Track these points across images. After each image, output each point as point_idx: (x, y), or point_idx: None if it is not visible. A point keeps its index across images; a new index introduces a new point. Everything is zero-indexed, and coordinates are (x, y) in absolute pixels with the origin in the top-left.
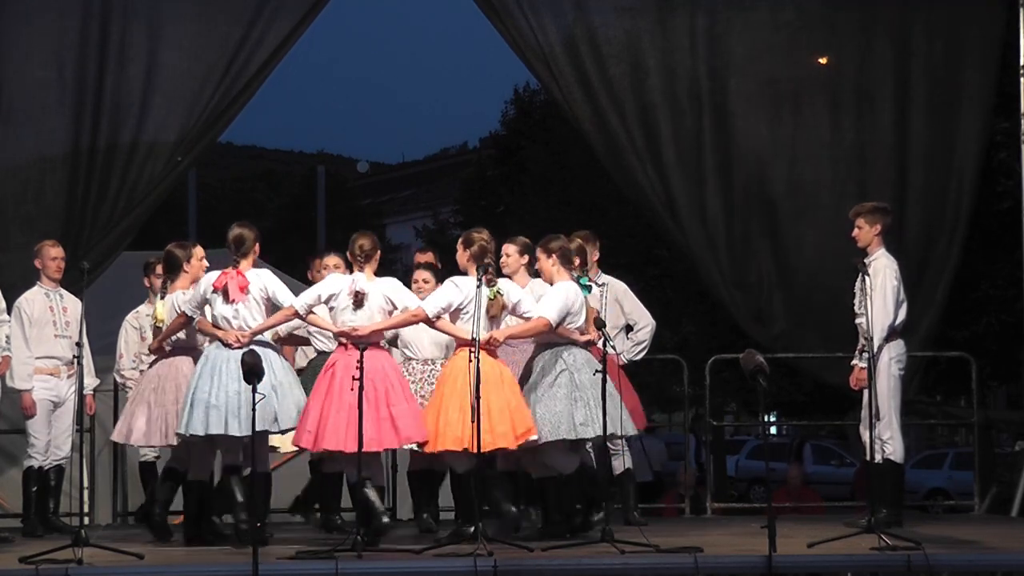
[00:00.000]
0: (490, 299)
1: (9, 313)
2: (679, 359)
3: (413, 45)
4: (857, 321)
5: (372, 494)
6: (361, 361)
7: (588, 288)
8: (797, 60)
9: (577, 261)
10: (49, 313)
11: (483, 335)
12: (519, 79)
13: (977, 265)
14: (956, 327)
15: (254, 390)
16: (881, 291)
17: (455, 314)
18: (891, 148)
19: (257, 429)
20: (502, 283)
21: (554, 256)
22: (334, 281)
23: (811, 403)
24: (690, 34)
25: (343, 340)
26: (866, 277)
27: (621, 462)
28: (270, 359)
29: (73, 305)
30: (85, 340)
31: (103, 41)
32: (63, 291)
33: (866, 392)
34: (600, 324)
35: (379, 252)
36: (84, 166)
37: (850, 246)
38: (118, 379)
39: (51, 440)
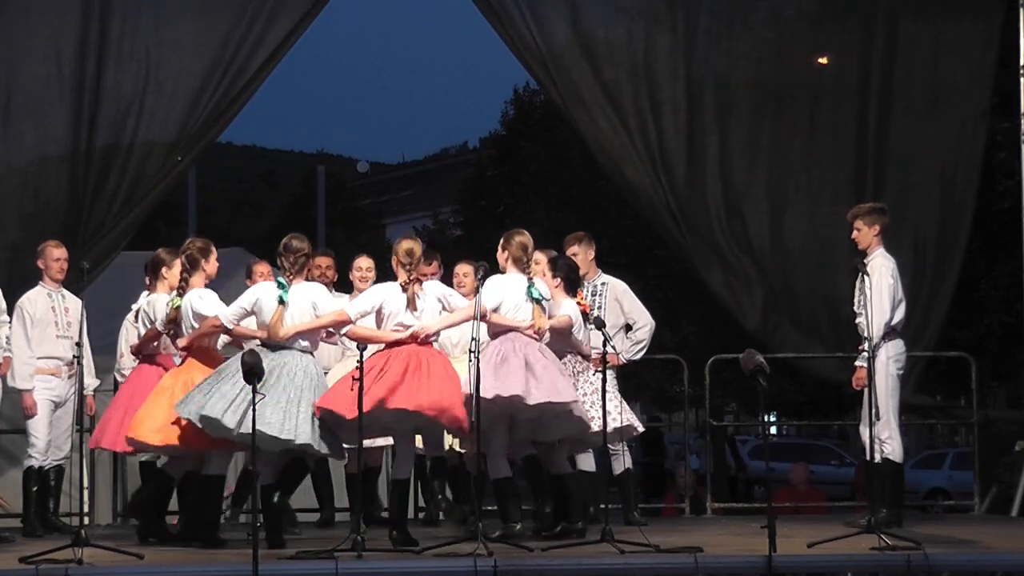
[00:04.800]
0: (171, 305)
1: (10, 313)
2: (679, 359)
3: (413, 45)
4: (857, 321)
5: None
6: (361, 361)
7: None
8: (797, 60)
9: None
10: (51, 313)
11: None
12: (519, 79)
13: (978, 265)
14: (957, 327)
15: (254, 390)
16: (877, 290)
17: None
18: (893, 148)
19: None
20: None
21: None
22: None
23: (811, 403)
24: (688, 35)
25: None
26: (866, 277)
27: (621, 462)
28: None
29: (75, 305)
30: (86, 340)
31: (103, 39)
32: (65, 291)
33: (866, 392)
34: (600, 324)
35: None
36: (83, 165)
37: (854, 247)
38: (119, 378)
39: (51, 440)
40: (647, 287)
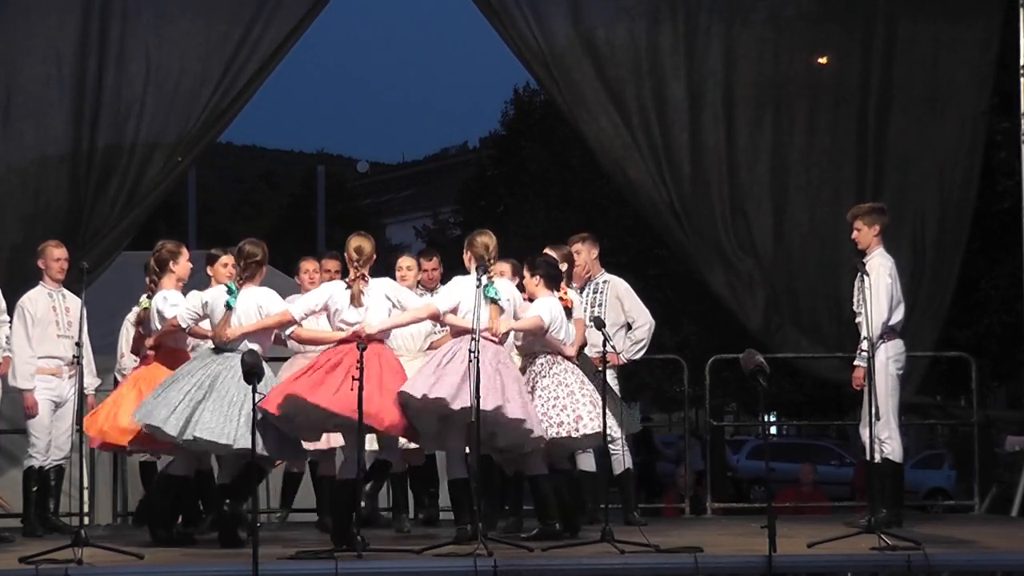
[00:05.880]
0: (141, 307)
1: (10, 313)
2: (679, 359)
3: (413, 45)
4: (857, 321)
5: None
6: (361, 361)
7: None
8: (797, 60)
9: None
10: (52, 313)
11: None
12: (519, 79)
13: (978, 265)
14: (957, 327)
15: (254, 390)
16: (875, 289)
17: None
18: (892, 148)
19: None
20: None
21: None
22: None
23: (811, 403)
24: (689, 35)
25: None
26: (865, 277)
27: (621, 462)
28: None
29: (75, 305)
30: (86, 340)
31: (103, 40)
32: (65, 291)
33: (866, 391)
34: (600, 324)
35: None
36: (84, 166)
37: (855, 247)
38: (119, 378)
39: (52, 440)
40: (647, 287)
